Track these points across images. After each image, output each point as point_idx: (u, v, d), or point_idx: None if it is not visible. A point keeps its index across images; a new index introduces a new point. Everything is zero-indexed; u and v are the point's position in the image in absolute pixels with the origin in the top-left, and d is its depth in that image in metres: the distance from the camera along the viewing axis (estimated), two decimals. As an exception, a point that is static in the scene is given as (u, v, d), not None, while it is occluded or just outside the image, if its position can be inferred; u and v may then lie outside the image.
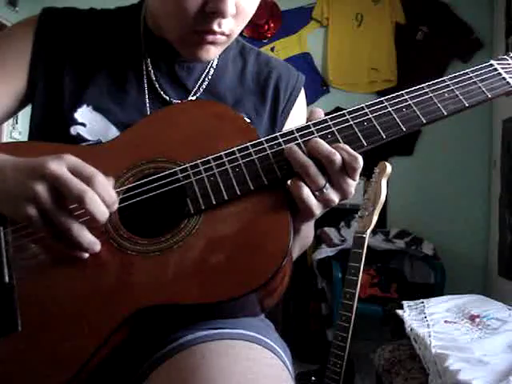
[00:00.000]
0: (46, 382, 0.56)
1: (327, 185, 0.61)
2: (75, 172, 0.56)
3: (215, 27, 0.67)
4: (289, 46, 3.17)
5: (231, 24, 0.69)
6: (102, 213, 0.57)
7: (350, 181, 0.62)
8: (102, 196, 0.57)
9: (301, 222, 0.68)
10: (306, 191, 0.61)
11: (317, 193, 0.61)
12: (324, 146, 0.61)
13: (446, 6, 2.98)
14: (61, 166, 0.56)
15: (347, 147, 0.62)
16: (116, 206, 0.60)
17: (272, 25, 3.15)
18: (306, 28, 3.19)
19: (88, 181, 0.56)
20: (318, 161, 0.61)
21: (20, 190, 0.57)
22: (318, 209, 0.62)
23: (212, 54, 0.72)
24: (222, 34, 0.69)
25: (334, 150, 0.61)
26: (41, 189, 0.55)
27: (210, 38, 0.69)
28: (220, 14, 0.65)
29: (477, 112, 2.81)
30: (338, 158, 0.60)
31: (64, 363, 0.56)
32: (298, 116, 0.85)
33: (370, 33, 3.08)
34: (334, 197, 0.62)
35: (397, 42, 3.05)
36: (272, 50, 3.15)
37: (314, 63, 3.16)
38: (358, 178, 0.63)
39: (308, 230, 0.78)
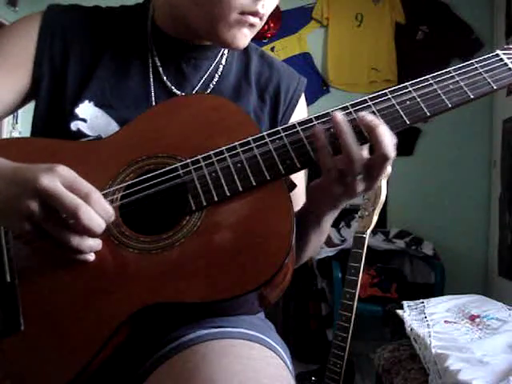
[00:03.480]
0: (48, 381, 0.56)
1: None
2: (70, 187, 0.56)
3: (260, 9, 0.70)
4: (289, 46, 3.17)
5: (270, 6, 0.72)
6: (98, 225, 0.56)
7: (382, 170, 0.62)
8: (98, 212, 0.56)
9: (323, 213, 0.69)
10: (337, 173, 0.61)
11: (348, 179, 0.62)
12: (387, 140, 0.60)
13: (446, 6, 2.98)
14: (53, 180, 0.55)
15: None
16: (112, 219, 0.59)
17: (272, 25, 3.15)
18: (306, 28, 3.18)
19: (84, 198, 0.56)
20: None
21: (14, 206, 0.56)
22: (340, 190, 0.63)
23: (247, 40, 0.73)
24: (261, 16, 0.71)
25: (391, 148, 0.60)
26: (34, 205, 0.55)
27: (251, 19, 0.70)
28: None
29: (477, 112, 2.81)
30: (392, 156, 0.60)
31: (66, 363, 0.56)
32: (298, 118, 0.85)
33: (370, 33, 3.08)
34: (360, 186, 0.63)
35: (397, 41, 3.05)
36: (272, 50, 3.15)
37: (314, 63, 3.16)
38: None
39: (328, 226, 0.76)
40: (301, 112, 0.86)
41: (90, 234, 0.57)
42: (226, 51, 0.83)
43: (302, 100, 0.87)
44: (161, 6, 0.79)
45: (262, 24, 0.74)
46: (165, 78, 0.78)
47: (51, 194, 0.55)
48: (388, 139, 0.59)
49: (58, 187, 0.55)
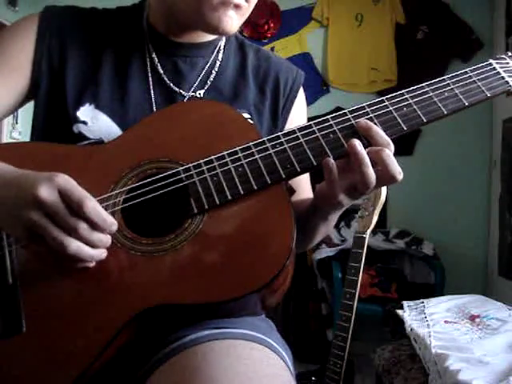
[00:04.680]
0: (50, 382, 0.56)
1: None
2: (65, 196, 0.56)
3: None
4: (289, 46, 3.17)
5: None
6: (98, 241, 0.57)
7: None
8: (95, 223, 0.57)
9: (328, 212, 0.71)
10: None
11: (356, 194, 0.65)
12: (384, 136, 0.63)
13: (446, 6, 2.97)
14: (53, 192, 0.55)
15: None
16: (115, 228, 0.59)
17: (272, 25, 3.15)
18: (305, 28, 3.18)
19: (77, 206, 0.56)
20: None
21: (14, 215, 0.57)
22: (343, 197, 0.65)
23: (233, 22, 0.72)
24: (247, 1, 0.71)
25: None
26: (33, 216, 0.55)
27: (236, 0, 0.70)
28: None
29: (477, 112, 2.80)
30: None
31: (68, 364, 0.56)
32: (299, 112, 0.86)
33: (369, 33, 3.08)
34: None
35: (397, 42, 3.05)
36: (272, 50, 3.15)
37: (314, 63, 3.15)
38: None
39: (335, 218, 0.78)
40: (300, 105, 0.87)
41: (93, 246, 0.57)
42: (221, 47, 0.83)
43: (301, 93, 0.87)
44: (153, 5, 0.80)
45: (250, 8, 0.74)
46: (163, 75, 0.78)
47: (50, 206, 0.55)
48: (396, 167, 0.62)
49: (55, 200, 0.55)
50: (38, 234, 0.56)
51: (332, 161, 0.63)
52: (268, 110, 0.82)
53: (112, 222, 0.58)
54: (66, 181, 0.57)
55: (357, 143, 0.62)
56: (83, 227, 0.56)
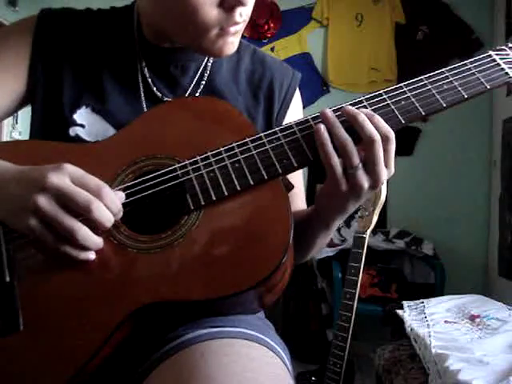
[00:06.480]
0: (47, 380, 0.56)
1: (360, 164, 0.62)
2: (80, 184, 0.57)
3: (238, 18, 0.68)
4: (289, 46, 3.17)
5: (249, 9, 0.70)
6: (108, 220, 0.58)
7: (382, 165, 0.62)
8: (109, 206, 0.58)
9: (332, 218, 0.69)
10: (339, 167, 0.62)
11: (350, 171, 0.62)
12: (368, 125, 0.61)
13: (446, 6, 2.98)
14: (63, 177, 0.56)
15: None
16: (120, 215, 0.60)
17: (272, 25, 3.15)
18: (306, 28, 3.19)
19: (95, 193, 0.57)
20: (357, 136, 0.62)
21: (21, 203, 0.57)
22: (345, 187, 0.63)
23: (235, 45, 0.72)
24: (243, 21, 0.70)
25: (375, 131, 0.61)
26: (42, 201, 0.56)
27: (233, 29, 0.69)
28: (240, 3, 0.66)
29: (477, 112, 2.81)
30: (378, 138, 0.61)
31: (65, 362, 0.56)
32: (294, 116, 0.85)
33: (370, 33, 3.08)
34: (364, 181, 0.62)
35: (397, 42, 3.05)
36: (272, 50, 3.15)
37: (314, 63, 3.16)
38: (391, 164, 0.64)
39: (335, 227, 0.76)
40: (296, 109, 0.86)
41: (100, 228, 0.58)
42: None
43: (297, 96, 0.86)
44: (143, 17, 0.78)
45: (247, 21, 0.73)
46: (154, 88, 0.78)
47: (62, 190, 0.56)
48: (369, 124, 0.61)
49: (67, 184, 0.56)
50: (47, 220, 0.56)
51: (323, 125, 0.63)
52: (261, 116, 0.81)
53: (120, 208, 0.60)
54: (75, 169, 0.58)
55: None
56: (95, 207, 0.56)
